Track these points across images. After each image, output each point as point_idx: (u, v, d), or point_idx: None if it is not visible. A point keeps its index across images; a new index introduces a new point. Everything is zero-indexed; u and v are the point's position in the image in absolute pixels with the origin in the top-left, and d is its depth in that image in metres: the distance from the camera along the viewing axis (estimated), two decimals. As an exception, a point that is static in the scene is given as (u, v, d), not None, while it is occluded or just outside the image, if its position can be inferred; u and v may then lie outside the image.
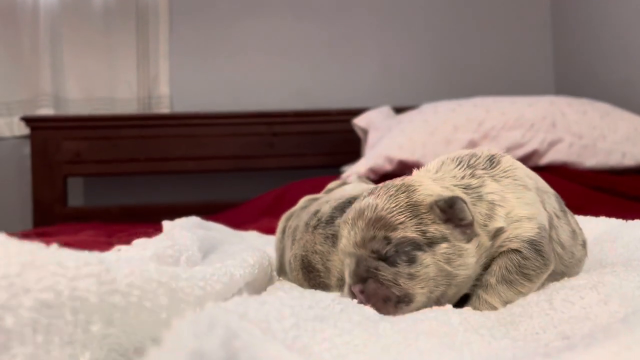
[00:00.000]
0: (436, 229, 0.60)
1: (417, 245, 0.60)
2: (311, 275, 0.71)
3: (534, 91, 2.57)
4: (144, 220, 2.06)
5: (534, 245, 0.63)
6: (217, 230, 1.22)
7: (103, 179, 2.42)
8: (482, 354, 0.42)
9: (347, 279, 0.61)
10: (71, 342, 0.36)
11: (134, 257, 0.58)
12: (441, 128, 1.94)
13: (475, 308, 0.62)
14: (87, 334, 0.37)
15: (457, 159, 0.69)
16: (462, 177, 0.66)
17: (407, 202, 0.61)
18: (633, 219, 1.01)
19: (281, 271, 0.86)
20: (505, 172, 0.67)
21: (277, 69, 2.57)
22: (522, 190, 0.66)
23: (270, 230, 1.49)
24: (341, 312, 0.46)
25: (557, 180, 1.80)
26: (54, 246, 0.40)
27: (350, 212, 0.63)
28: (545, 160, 1.91)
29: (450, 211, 0.61)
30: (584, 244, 0.73)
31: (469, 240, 0.61)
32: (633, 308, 0.47)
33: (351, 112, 2.30)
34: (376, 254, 0.60)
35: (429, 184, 0.64)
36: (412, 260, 0.59)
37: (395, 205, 0.61)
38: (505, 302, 0.62)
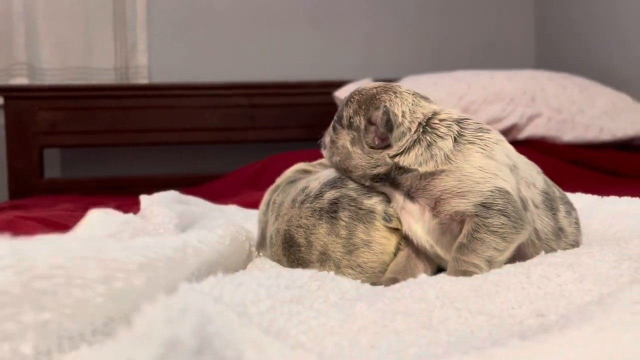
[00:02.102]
0: (359, 120, 0.72)
1: (339, 122, 0.74)
2: (291, 250, 0.70)
3: (515, 65, 2.57)
4: (122, 193, 2.04)
5: (490, 206, 0.64)
6: (196, 204, 1.21)
7: (80, 150, 2.38)
8: (459, 332, 0.42)
9: None
10: (7, 337, 0.35)
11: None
12: (422, 101, 1.93)
13: (455, 272, 0.62)
14: (21, 325, 0.36)
15: (460, 112, 0.74)
16: (439, 120, 0.70)
17: (373, 93, 0.73)
18: (608, 192, 1.03)
19: (261, 245, 0.86)
20: (481, 140, 0.68)
21: (258, 39, 2.53)
22: (479, 157, 0.67)
23: (250, 204, 1.48)
24: (318, 290, 0.45)
25: (535, 155, 1.82)
26: None
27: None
28: (524, 134, 1.92)
29: (379, 117, 0.70)
30: (574, 245, 0.72)
31: (371, 145, 0.71)
32: (607, 287, 0.47)
33: (332, 85, 2.28)
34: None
35: (404, 95, 0.73)
36: (333, 129, 0.75)
37: (365, 91, 0.74)
38: (488, 261, 0.62)
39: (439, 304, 0.46)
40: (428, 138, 0.69)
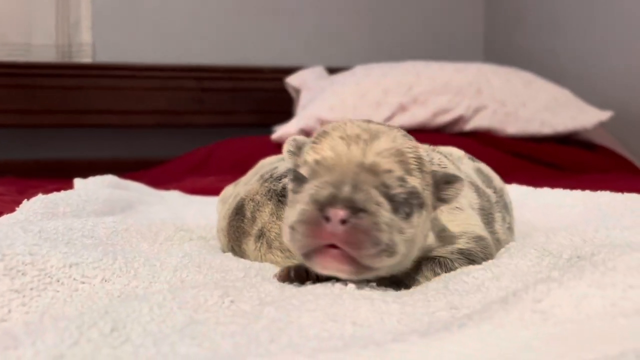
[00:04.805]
0: (427, 195, 0.54)
1: (419, 202, 0.53)
2: (237, 217, 0.73)
3: (465, 56, 2.62)
4: (62, 176, 1.96)
5: (464, 254, 0.61)
6: (134, 189, 1.18)
7: (17, 130, 2.27)
8: (369, 321, 0.41)
9: (323, 198, 0.49)
10: None
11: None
12: (372, 91, 1.94)
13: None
14: None
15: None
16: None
17: (416, 153, 0.54)
18: (547, 185, 1.07)
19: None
20: None
21: (209, 20, 2.47)
22: (455, 212, 0.63)
23: (195, 190, 1.45)
24: (231, 305, 0.43)
25: (480, 147, 1.86)
26: None
27: (354, 127, 0.53)
28: (470, 125, 1.96)
29: (442, 187, 0.56)
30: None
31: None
32: (524, 283, 0.48)
33: (284, 71, 2.26)
34: (385, 190, 0.51)
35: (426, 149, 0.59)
36: (409, 215, 0.52)
37: (413, 149, 0.53)
38: None
39: (351, 299, 0.45)
40: None
